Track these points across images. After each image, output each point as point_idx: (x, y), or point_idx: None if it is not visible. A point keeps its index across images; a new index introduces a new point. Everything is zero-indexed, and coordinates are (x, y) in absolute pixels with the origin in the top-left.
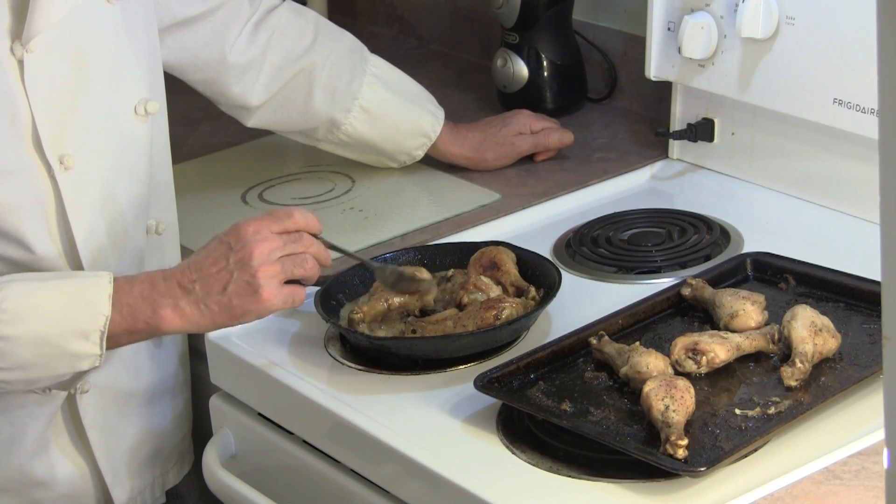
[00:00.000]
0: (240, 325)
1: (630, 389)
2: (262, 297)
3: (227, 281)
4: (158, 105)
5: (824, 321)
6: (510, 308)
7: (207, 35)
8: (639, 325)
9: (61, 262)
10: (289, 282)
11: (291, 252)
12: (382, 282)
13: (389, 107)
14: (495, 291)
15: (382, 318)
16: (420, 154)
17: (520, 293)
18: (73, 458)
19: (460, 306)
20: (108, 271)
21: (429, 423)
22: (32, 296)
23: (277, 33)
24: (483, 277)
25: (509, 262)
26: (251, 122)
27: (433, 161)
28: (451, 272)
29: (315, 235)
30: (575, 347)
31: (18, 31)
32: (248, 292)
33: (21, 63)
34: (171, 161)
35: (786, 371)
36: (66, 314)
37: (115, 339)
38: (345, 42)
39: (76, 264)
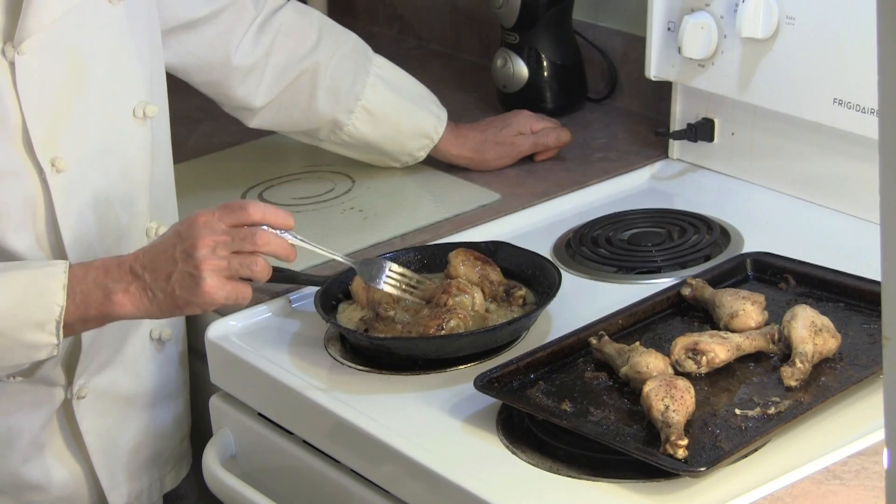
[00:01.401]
0: (239, 326)
1: (630, 389)
2: (203, 290)
3: (171, 270)
4: (157, 108)
5: (824, 321)
6: (456, 319)
7: (212, 37)
8: (639, 325)
9: None
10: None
11: (239, 249)
12: (366, 278)
13: (392, 108)
14: (478, 294)
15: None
16: (422, 155)
17: (508, 292)
18: (69, 461)
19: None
20: (64, 261)
21: (429, 423)
22: None
23: (281, 35)
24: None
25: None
26: (253, 122)
27: (433, 161)
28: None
29: (285, 230)
30: (575, 347)
31: (11, 32)
32: (189, 284)
33: (12, 65)
34: (172, 164)
35: (786, 371)
36: (21, 306)
37: (69, 328)
38: (349, 43)
39: None
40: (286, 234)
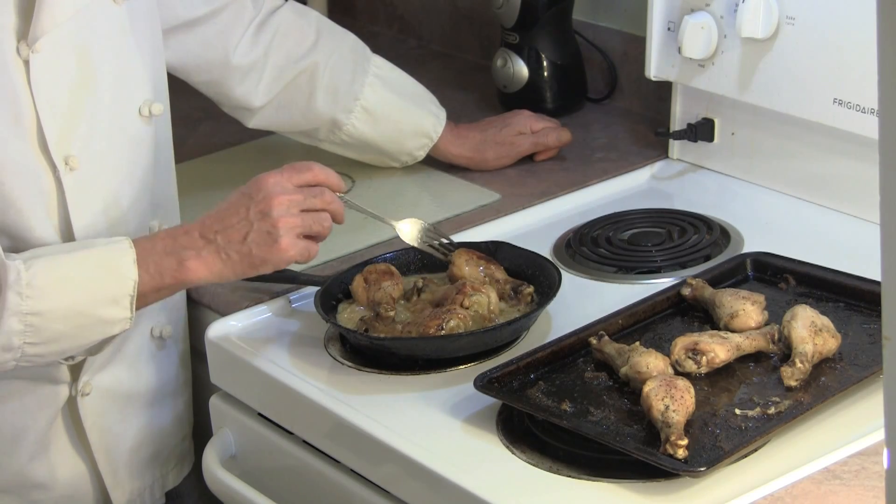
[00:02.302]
0: (239, 326)
1: (630, 389)
2: (280, 248)
3: (247, 231)
4: (162, 106)
5: (824, 321)
6: (456, 319)
7: (211, 37)
8: (639, 325)
9: None
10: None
11: (310, 207)
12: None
13: (391, 107)
14: (493, 293)
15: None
16: (422, 154)
17: (516, 290)
18: (73, 459)
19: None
20: (125, 236)
21: (429, 423)
22: (60, 269)
23: (280, 34)
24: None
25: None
26: (253, 122)
27: (433, 161)
28: (420, 281)
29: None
30: (575, 347)
31: (24, 31)
32: (267, 242)
33: (27, 63)
34: (174, 163)
35: (786, 371)
36: (96, 283)
37: (143, 299)
38: (347, 42)
39: None
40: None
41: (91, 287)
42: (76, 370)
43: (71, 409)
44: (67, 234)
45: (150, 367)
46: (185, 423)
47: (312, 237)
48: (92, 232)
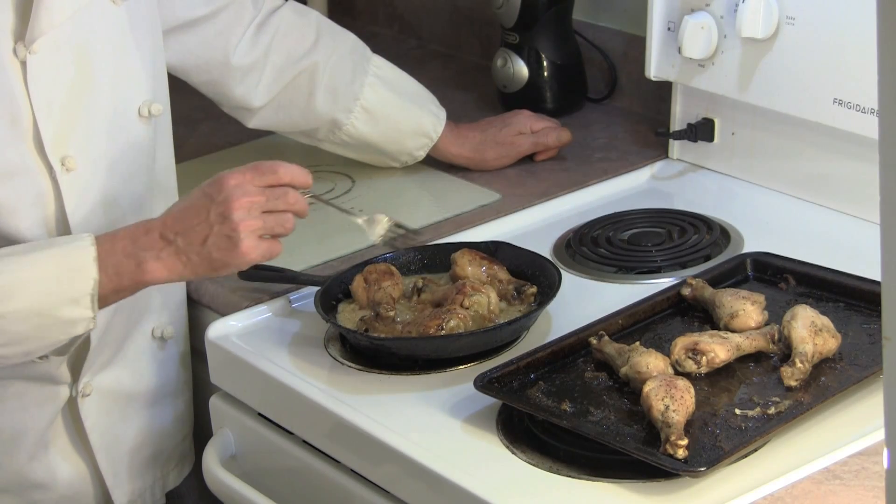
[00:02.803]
0: (239, 326)
1: (630, 389)
2: (241, 251)
3: (207, 234)
4: (162, 107)
5: (824, 321)
6: (456, 319)
7: (211, 37)
8: (639, 325)
9: None
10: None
11: (273, 209)
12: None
13: (391, 107)
14: (493, 293)
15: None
16: (422, 154)
17: (519, 290)
18: (74, 459)
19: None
20: (88, 233)
21: (429, 423)
22: (20, 270)
23: (280, 34)
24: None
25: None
26: (252, 122)
27: (433, 161)
28: (420, 281)
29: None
30: (575, 347)
31: (22, 31)
32: (227, 246)
33: (24, 64)
34: (174, 163)
35: (786, 371)
36: (56, 283)
37: (104, 300)
38: (347, 42)
39: None
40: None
41: (52, 287)
42: (76, 371)
43: (71, 410)
44: (65, 234)
45: (151, 368)
46: (185, 423)
47: (275, 235)
48: (90, 231)
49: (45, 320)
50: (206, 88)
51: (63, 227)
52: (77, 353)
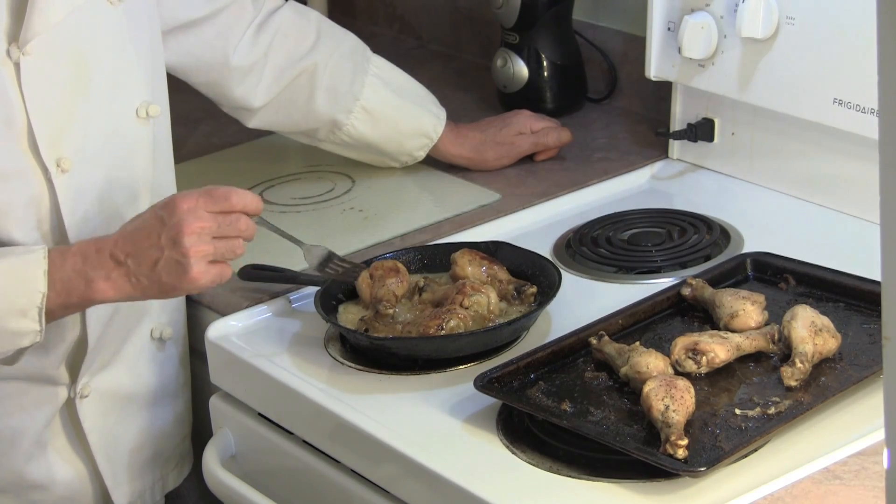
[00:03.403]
0: (239, 326)
1: (630, 389)
2: (191, 277)
3: (157, 257)
4: (160, 108)
5: (824, 321)
6: (456, 319)
7: (211, 38)
8: (639, 325)
9: None
10: None
11: (224, 235)
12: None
13: (391, 108)
14: (493, 293)
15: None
16: (422, 155)
17: (519, 290)
18: (72, 460)
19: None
20: (42, 246)
21: (429, 423)
22: None
23: (280, 35)
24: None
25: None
26: (252, 122)
27: (433, 161)
28: (422, 280)
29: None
30: (575, 347)
31: (15, 33)
32: (177, 270)
33: (17, 66)
34: (173, 163)
35: (786, 371)
36: (2, 294)
37: (50, 314)
38: (347, 43)
39: None
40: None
41: (0, 298)
42: (74, 372)
43: (69, 411)
44: (60, 236)
45: (151, 369)
46: (184, 424)
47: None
48: (86, 233)
49: None
50: (205, 89)
51: (58, 229)
52: (75, 354)
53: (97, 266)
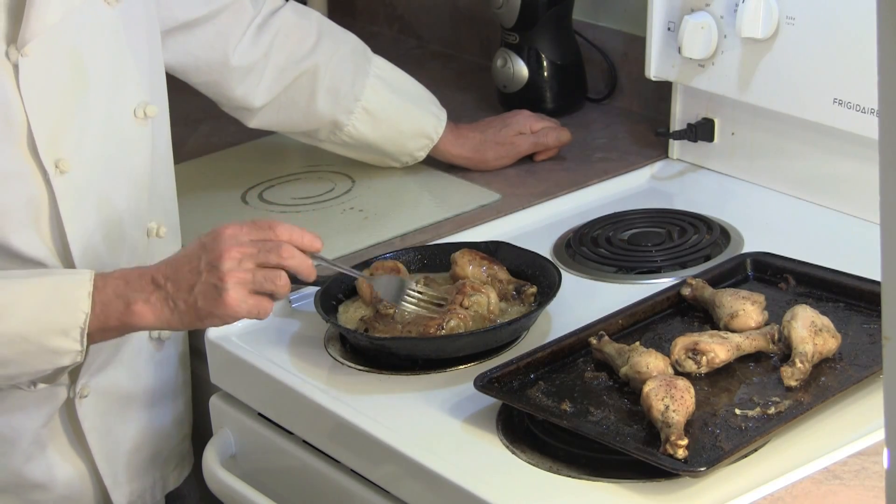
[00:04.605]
0: (239, 326)
1: (630, 389)
2: (227, 303)
3: (195, 281)
4: (158, 108)
5: (824, 321)
6: (456, 319)
7: (211, 38)
8: (639, 325)
9: (55, 266)
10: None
11: (264, 262)
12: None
13: (392, 109)
14: (493, 293)
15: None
16: (422, 155)
17: (519, 290)
18: (72, 460)
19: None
20: (89, 269)
21: (429, 423)
22: (12, 293)
23: (281, 35)
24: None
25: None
26: (253, 122)
27: (433, 161)
28: (422, 280)
29: (311, 252)
30: (575, 347)
31: (14, 34)
32: (213, 295)
33: (16, 67)
34: (172, 164)
35: (786, 371)
36: (46, 311)
37: (90, 337)
38: (348, 43)
39: (70, 268)
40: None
41: (41, 314)
42: (74, 372)
43: (68, 411)
44: (60, 236)
45: (149, 369)
46: (184, 424)
47: (268, 293)
48: (85, 234)
49: (31, 346)
50: (205, 89)
51: (58, 230)
52: None
53: (138, 289)
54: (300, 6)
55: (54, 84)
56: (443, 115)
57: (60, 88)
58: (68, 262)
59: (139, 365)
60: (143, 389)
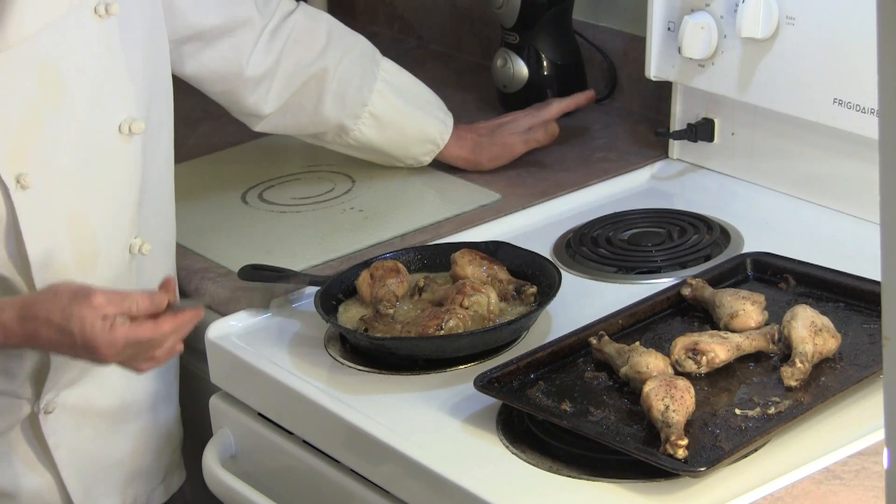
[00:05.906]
0: (239, 326)
1: (630, 389)
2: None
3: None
4: (155, 121)
5: (824, 321)
6: (456, 319)
7: (226, 50)
8: (639, 325)
9: (16, 284)
10: None
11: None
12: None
13: (399, 114)
14: (493, 293)
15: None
16: (428, 160)
17: (519, 290)
18: (38, 471)
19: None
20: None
21: (429, 423)
22: None
23: (291, 41)
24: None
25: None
26: (259, 127)
27: (433, 161)
28: (422, 280)
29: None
30: (575, 347)
31: None
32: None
33: None
34: (171, 177)
35: (786, 371)
36: None
37: None
38: (357, 47)
39: (31, 287)
40: None
41: None
42: (38, 387)
43: (32, 426)
44: (19, 255)
45: (123, 385)
46: (171, 437)
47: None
48: (50, 252)
49: None
50: (218, 97)
51: (17, 245)
52: (38, 369)
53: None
54: (311, 9)
55: (20, 96)
56: (449, 120)
57: (27, 101)
58: (27, 278)
59: (112, 380)
60: (118, 405)
